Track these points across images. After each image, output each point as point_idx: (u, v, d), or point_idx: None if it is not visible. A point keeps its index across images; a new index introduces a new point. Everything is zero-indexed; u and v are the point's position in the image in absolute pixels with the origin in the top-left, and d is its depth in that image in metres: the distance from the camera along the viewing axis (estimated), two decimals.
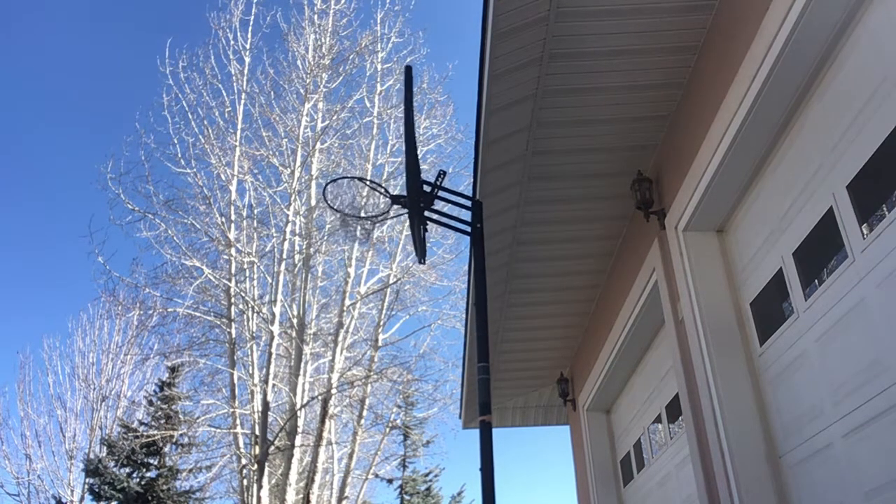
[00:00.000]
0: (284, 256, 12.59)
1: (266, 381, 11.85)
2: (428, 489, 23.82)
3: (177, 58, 13.78)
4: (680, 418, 5.27)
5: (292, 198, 12.83)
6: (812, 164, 3.28)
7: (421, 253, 4.07)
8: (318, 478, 12.32)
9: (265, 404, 11.68)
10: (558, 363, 7.64)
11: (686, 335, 4.29)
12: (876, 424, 2.84)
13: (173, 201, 12.54)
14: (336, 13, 14.29)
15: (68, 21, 29.84)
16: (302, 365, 12.26)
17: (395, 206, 4.14)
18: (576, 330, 6.95)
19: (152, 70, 14.38)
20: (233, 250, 12.44)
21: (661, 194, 4.60)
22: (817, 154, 3.23)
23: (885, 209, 2.95)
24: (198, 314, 12.41)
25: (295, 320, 12.53)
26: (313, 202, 13.01)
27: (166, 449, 17.78)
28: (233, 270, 12.59)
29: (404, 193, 3.94)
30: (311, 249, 12.89)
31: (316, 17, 14.20)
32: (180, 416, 17.83)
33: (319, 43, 13.93)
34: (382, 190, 4.29)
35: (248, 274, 12.84)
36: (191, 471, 17.87)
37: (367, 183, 4.46)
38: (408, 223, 4.03)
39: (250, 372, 12.36)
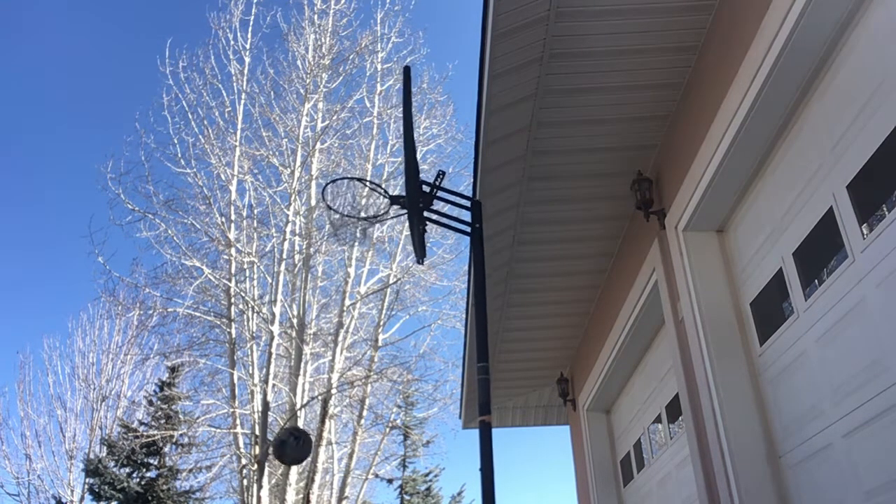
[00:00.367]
0: (284, 256, 12.59)
1: (266, 381, 11.85)
2: (428, 489, 23.82)
3: (177, 58, 13.79)
4: (680, 418, 5.27)
5: (292, 198, 12.83)
6: (812, 164, 3.27)
7: (420, 253, 4.07)
8: (318, 478, 12.32)
9: (265, 404, 11.68)
10: (558, 363, 7.64)
11: (686, 335, 4.29)
12: (876, 424, 2.84)
13: (173, 201, 12.54)
14: (336, 13, 14.30)
15: (68, 21, 29.86)
16: (302, 365, 12.26)
17: (395, 207, 4.14)
18: (576, 330, 6.95)
19: (152, 70, 14.39)
20: (233, 250, 12.44)
21: (661, 194, 4.60)
22: (817, 154, 3.23)
23: (885, 209, 2.95)
24: (198, 314, 12.41)
25: (295, 320, 12.53)
26: (313, 202, 13.01)
27: (166, 449, 17.78)
28: (233, 270, 12.59)
29: (404, 194, 3.94)
30: (311, 249, 12.89)
31: (316, 17, 14.20)
32: (180, 416, 17.84)
33: (319, 43, 13.93)
34: (381, 190, 4.29)
35: (248, 274, 12.84)
36: (191, 471, 17.87)
37: (367, 183, 4.46)
38: (408, 223, 4.03)
39: (250, 372, 12.36)
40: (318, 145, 13.31)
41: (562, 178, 4.88)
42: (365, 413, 14.40)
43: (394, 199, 4.03)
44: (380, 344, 13.98)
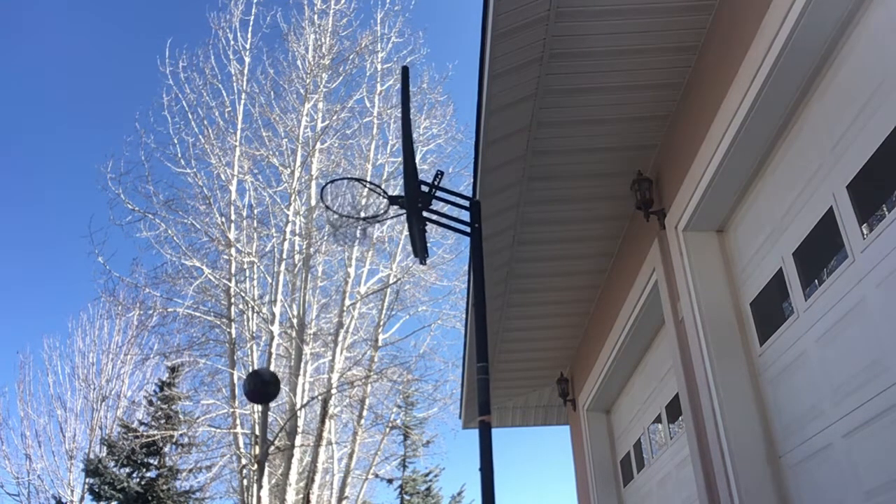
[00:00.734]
0: (284, 256, 12.59)
1: None
2: (428, 489, 23.82)
3: (177, 58, 13.80)
4: (680, 418, 5.27)
5: (292, 198, 12.83)
6: (812, 164, 3.27)
7: (421, 253, 4.07)
8: (318, 478, 12.32)
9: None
10: (558, 363, 7.64)
11: (686, 335, 4.29)
12: (876, 424, 2.84)
13: (173, 201, 12.55)
14: (336, 13, 14.30)
15: (68, 21, 29.86)
16: (302, 365, 12.26)
17: (394, 207, 4.14)
18: (576, 330, 6.95)
19: (152, 70, 14.40)
20: (233, 250, 12.44)
21: (661, 194, 4.60)
22: (817, 154, 3.23)
23: (885, 209, 2.94)
24: (198, 314, 12.42)
25: (295, 320, 12.53)
26: (313, 202, 13.01)
27: (166, 449, 17.77)
28: (233, 270, 12.59)
29: (402, 194, 3.94)
30: (311, 249, 12.89)
31: (316, 17, 14.21)
32: (180, 416, 17.83)
33: (319, 43, 13.93)
34: (380, 191, 4.29)
35: (248, 274, 12.84)
36: (191, 471, 17.86)
37: (365, 184, 4.46)
38: (407, 224, 4.03)
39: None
40: (318, 145, 13.31)
41: (562, 178, 4.88)
42: (365, 413, 14.40)
43: (392, 200, 4.03)
44: (380, 344, 13.98)
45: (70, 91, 30.55)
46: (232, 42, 13.97)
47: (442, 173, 3.92)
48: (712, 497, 3.98)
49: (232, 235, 12.59)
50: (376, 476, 18.48)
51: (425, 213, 3.94)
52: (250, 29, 14.31)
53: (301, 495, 12.21)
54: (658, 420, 5.70)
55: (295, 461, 12.03)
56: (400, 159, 13.82)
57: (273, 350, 12.07)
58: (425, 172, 13.05)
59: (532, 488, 36.67)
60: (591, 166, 4.78)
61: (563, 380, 7.58)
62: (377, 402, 15.20)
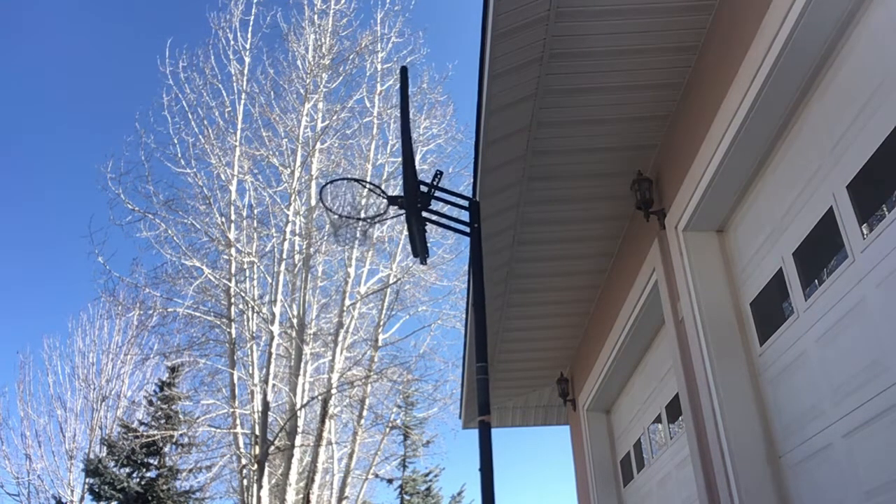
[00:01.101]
0: (284, 256, 12.59)
1: (266, 381, 11.85)
2: (428, 489, 23.82)
3: (177, 58, 13.80)
4: (680, 418, 5.27)
5: (292, 198, 12.83)
6: (812, 164, 3.27)
7: (421, 253, 4.06)
8: (318, 478, 12.32)
9: (265, 404, 11.68)
10: (558, 363, 7.64)
11: (686, 335, 4.29)
12: (876, 424, 2.84)
13: (173, 201, 12.56)
14: (336, 13, 14.30)
15: (68, 21, 29.86)
16: (302, 365, 12.26)
17: (393, 207, 4.14)
18: (576, 330, 6.95)
19: (152, 70, 14.39)
20: (233, 250, 12.44)
21: (661, 194, 4.59)
22: (817, 154, 3.23)
23: (885, 209, 2.94)
24: (198, 314, 12.42)
25: (295, 320, 12.53)
26: (313, 202, 13.01)
27: (166, 449, 17.78)
28: (233, 270, 12.59)
29: (401, 194, 3.94)
30: (311, 249, 12.89)
31: (316, 17, 14.20)
32: (180, 416, 17.84)
33: (319, 43, 13.93)
34: (379, 191, 4.29)
35: (248, 274, 12.84)
36: (191, 471, 17.87)
37: (364, 184, 4.46)
38: (406, 224, 4.02)
39: (250, 372, 12.35)
40: (318, 145, 13.31)
41: (562, 178, 4.88)
42: (365, 413, 14.40)
43: (392, 200, 4.03)
44: (380, 344, 13.98)
45: (70, 91, 30.58)
46: (232, 42, 13.98)
47: (441, 173, 3.92)
48: (712, 497, 3.97)
49: (232, 235, 12.59)
50: (376, 476, 18.49)
51: (425, 214, 3.93)
52: (250, 29, 14.33)
53: (301, 495, 12.21)
54: (658, 420, 5.70)
55: (295, 461, 12.04)
56: (400, 159, 13.80)
57: (273, 350, 12.07)
58: (425, 172, 13.05)
59: (532, 488, 36.68)
60: (591, 166, 4.78)
61: (563, 380, 7.58)
62: (377, 402, 15.22)
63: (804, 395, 3.39)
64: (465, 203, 3.93)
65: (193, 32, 35.16)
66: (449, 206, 4.06)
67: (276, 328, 12.02)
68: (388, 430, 16.64)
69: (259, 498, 11.14)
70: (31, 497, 19.71)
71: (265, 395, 11.71)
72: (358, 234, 4.33)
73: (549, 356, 7.48)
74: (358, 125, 14.03)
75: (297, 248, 13.07)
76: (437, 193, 3.93)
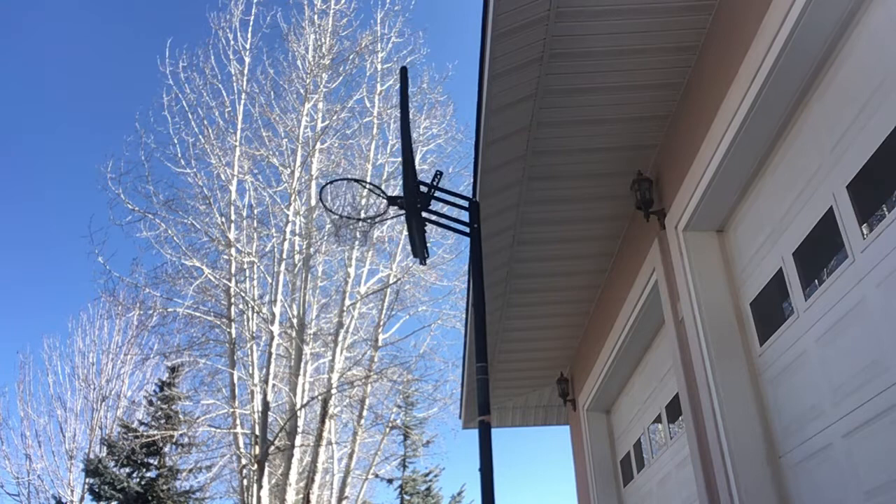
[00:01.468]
0: (284, 256, 12.59)
1: (266, 381, 11.85)
2: (428, 489, 23.81)
3: (177, 58, 13.81)
4: (680, 418, 5.27)
5: (292, 198, 12.83)
6: (812, 164, 3.27)
7: (421, 253, 4.07)
8: (318, 478, 12.32)
9: (265, 404, 11.68)
10: (558, 363, 7.64)
11: (686, 335, 4.29)
12: (876, 424, 2.84)
13: (173, 201, 12.56)
14: (336, 13, 14.30)
15: (68, 21, 29.86)
16: (302, 365, 12.26)
17: (393, 208, 4.14)
18: (576, 330, 6.95)
19: (152, 70, 14.41)
20: (233, 250, 12.44)
21: (661, 194, 4.59)
22: (817, 154, 3.23)
23: (885, 209, 2.94)
24: (198, 314, 12.42)
25: (295, 320, 12.53)
26: (313, 202, 13.01)
27: (166, 449, 17.78)
28: (233, 270, 12.59)
29: (401, 194, 3.95)
30: (311, 249, 12.89)
31: (316, 17, 14.20)
32: (180, 416, 17.83)
33: (319, 43, 13.93)
34: (379, 191, 4.29)
35: (248, 274, 12.84)
36: (191, 471, 17.87)
37: (364, 184, 4.46)
38: (406, 224, 4.02)
39: (250, 372, 12.36)
40: (318, 145, 13.31)
41: (562, 178, 4.88)
42: (365, 413, 14.40)
43: (391, 200, 4.03)
44: (380, 344, 13.98)
45: (70, 91, 30.59)
46: (232, 42, 13.98)
47: (441, 173, 3.93)
48: (712, 497, 3.98)
49: (232, 235, 12.59)
50: (376, 476, 18.50)
51: (424, 214, 3.94)
52: (250, 29, 14.33)
53: (301, 495, 12.21)
54: (658, 420, 5.70)
55: (295, 461, 12.04)
56: (400, 159, 13.81)
57: (273, 350, 12.07)
58: (425, 172, 13.06)
59: (532, 488, 36.69)
60: (591, 166, 4.78)
61: (563, 380, 7.58)
62: (377, 402, 15.22)
63: (804, 395, 3.39)
64: (465, 203, 3.93)
65: (193, 32, 35.17)
66: (449, 206, 4.07)
67: (276, 328, 12.02)
68: (388, 430, 16.64)
69: (259, 498, 11.15)
70: (31, 497, 19.73)
71: (265, 395, 11.72)
72: (358, 235, 4.33)
73: (548, 356, 7.48)
74: (358, 125, 14.05)
75: (297, 248, 13.07)
76: (437, 193, 3.94)
